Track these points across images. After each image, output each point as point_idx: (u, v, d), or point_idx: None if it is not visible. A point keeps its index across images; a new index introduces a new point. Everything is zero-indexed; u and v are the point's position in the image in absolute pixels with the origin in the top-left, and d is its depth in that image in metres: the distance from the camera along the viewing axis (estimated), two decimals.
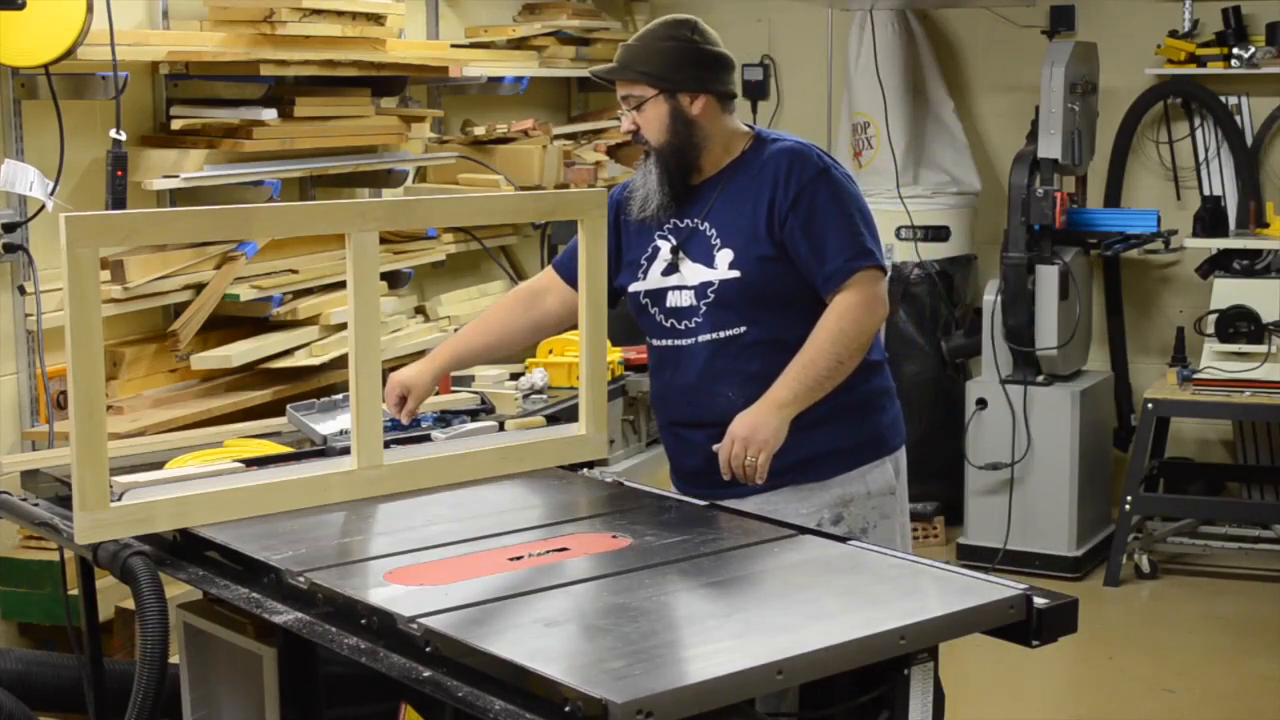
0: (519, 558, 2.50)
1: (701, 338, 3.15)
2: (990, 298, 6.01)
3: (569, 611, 2.27)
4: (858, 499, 3.15)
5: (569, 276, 3.29)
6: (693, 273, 3.16)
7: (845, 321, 3.05)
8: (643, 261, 3.24)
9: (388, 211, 3.18)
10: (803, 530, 2.70)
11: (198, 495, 2.73)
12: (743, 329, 3.12)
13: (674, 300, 3.18)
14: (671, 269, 3.19)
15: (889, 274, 3.22)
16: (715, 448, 3.05)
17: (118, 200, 3.96)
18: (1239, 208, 6.30)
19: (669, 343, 3.21)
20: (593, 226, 3.08)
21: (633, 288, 3.25)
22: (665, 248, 3.20)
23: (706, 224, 3.16)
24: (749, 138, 3.22)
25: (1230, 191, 6.37)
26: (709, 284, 3.14)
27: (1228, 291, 5.84)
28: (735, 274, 3.11)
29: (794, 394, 3.03)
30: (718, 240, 3.13)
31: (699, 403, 3.17)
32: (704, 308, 3.14)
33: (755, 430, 2.99)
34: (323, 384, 4.48)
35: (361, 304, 2.82)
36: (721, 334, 3.13)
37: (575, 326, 3.19)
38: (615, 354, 4.60)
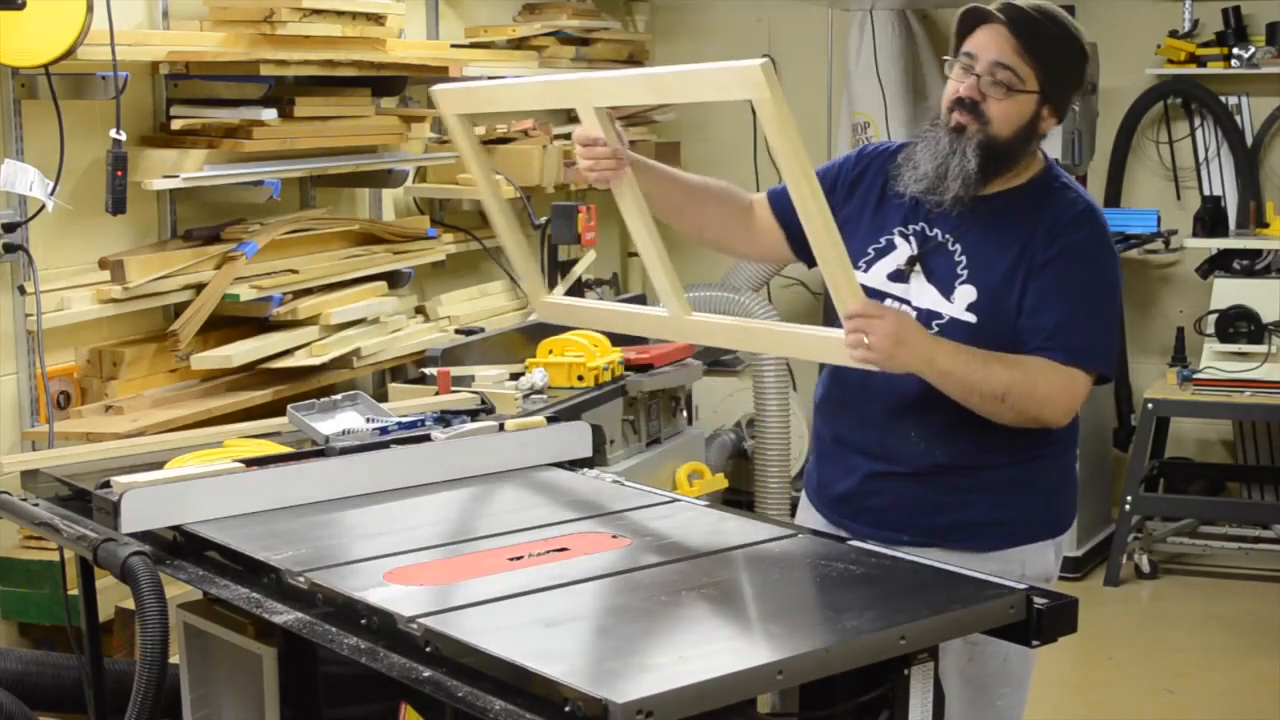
0: (519, 558, 2.50)
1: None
2: None
3: (569, 611, 2.27)
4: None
5: (779, 208, 2.92)
6: (923, 294, 2.74)
7: (1039, 386, 2.63)
8: (870, 251, 2.81)
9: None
10: (801, 530, 2.70)
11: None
12: None
13: None
14: (900, 277, 2.76)
15: (1093, 385, 2.72)
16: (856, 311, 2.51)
17: (117, 200, 3.96)
18: (1239, 208, 6.31)
19: None
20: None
21: None
22: (903, 250, 2.77)
23: (958, 246, 2.74)
24: (1040, 168, 2.85)
25: (1230, 191, 6.37)
26: (937, 315, 2.72)
27: (1228, 291, 5.84)
28: (970, 318, 2.70)
29: (951, 368, 2.59)
30: (964, 270, 2.72)
31: (876, 433, 2.78)
32: None
33: (901, 342, 2.50)
34: (323, 384, 4.48)
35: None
36: None
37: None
38: (615, 354, 4.60)
